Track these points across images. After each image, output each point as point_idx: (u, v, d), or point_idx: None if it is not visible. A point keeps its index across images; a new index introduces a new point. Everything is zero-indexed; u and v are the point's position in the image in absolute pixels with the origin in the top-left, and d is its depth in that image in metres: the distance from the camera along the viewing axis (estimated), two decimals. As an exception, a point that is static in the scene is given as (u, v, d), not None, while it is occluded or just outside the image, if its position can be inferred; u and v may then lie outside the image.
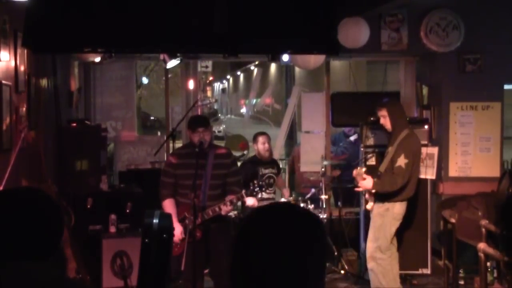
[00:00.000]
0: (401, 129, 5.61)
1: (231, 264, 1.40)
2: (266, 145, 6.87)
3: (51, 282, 1.74)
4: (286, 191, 7.01)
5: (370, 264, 5.64)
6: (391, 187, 5.50)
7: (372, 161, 6.74)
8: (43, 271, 1.75)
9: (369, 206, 5.67)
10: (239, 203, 7.17)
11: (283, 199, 6.75)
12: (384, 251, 5.61)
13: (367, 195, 5.72)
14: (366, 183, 5.57)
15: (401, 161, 5.48)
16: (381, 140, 6.75)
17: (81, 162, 6.21)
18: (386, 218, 5.58)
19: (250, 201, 5.93)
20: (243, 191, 5.02)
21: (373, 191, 5.57)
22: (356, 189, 5.82)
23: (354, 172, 5.80)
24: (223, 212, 4.96)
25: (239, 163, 6.31)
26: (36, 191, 1.90)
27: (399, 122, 5.66)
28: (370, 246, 5.64)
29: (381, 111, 5.69)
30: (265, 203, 6.73)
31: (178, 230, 4.89)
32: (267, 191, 6.68)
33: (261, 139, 6.89)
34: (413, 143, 5.64)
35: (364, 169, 5.74)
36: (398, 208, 5.59)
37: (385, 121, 5.67)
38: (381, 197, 5.58)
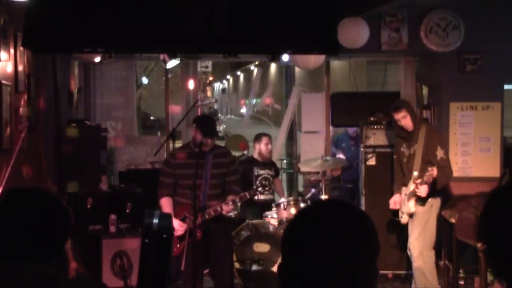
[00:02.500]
0: (420, 125, 5.71)
1: (280, 263, 1.38)
2: (269, 146, 6.90)
3: (44, 283, 1.74)
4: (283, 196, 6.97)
5: (417, 263, 5.59)
6: (447, 180, 5.59)
7: (372, 161, 6.74)
8: (38, 271, 1.74)
9: (413, 209, 5.57)
10: (239, 203, 7.19)
11: (282, 199, 6.74)
12: (432, 248, 5.62)
13: (407, 202, 5.60)
14: (424, 190, 5.46)
15: (440, 153, 5.55)
16: (381, 140, 6.75)
17: (81, 162, 6.21)
18: (431, 214, 5.60)
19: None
20: (246, 192, 5.03)
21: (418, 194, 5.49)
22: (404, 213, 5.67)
23: (395, 201, 5.73)
24: (224, 212, 4.96)
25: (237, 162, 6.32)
26: (45, 192, 1.91)
27: (417, 118, 5.80)
28: (418, 245, 5.58)
29: (400, 113, 5.67)
30: (263, 203, 6.72)
31: (176, 223, 4.87)
32: (265, 191, 6.69)
33: (264, 139, 6.90)
34: (439, 132, 5.83)
35: (410, 190, 5.54)
36: (439, 202, 5.65)
37: (406, 120, 5.67)
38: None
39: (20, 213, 1.79)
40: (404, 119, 5.67)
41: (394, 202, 5.82)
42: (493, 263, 1.50)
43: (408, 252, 5.77)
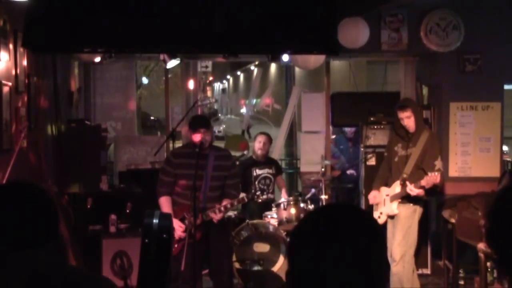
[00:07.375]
0: (422, 129, 5.49)
1: (288, 270, 1.36)
2: (261, 144, 6.80)
3: (52, 269, 1.77)
4: (284, 193, 6.96)
5: (396, 268, 5.39)
6: (436, 191, 5.44)
7: (372, 161, 6.74)
8: (44, 259, 1.77)
9: (396, 211, 5.42)
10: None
11: (282, 199, 6.74)
12: (413, 254, 5.46)
13: (389, 203, 5.47)
14: (417, 192, 5.25)
15: (439, 164, 5.35)
16: (381, 140, 6.75)
17: (81, 162, 6.21)
18: (414, 219, 5.41)
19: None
20: (245, 195, 5.01)
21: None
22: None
23: (375, 196, 5.60)
24: (214, 221, 4.94)
25: (237, 163, 6.31)
26: (23, 182, 1.94)
27: (421, 121, 5.57)
28: (400, 250, 5.40)
29: (405, 112, 5.45)
30: (263, 203, 6.67)
31: (176, 224, 4.86)
32: (263, 194, 6.70)
33: (258, 137, 6.89)
34: (440, 141, 5.61)
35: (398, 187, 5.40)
36: (422, 207, 5.47)
37: (409, 121, 5.46)
38: (408, 199, 5.38)
39: (4, 204, 1.83)
40: (408, 119, 5.46)
41: (374, 196, 5.61)
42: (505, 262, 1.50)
43: (389, 258, 5.53)
